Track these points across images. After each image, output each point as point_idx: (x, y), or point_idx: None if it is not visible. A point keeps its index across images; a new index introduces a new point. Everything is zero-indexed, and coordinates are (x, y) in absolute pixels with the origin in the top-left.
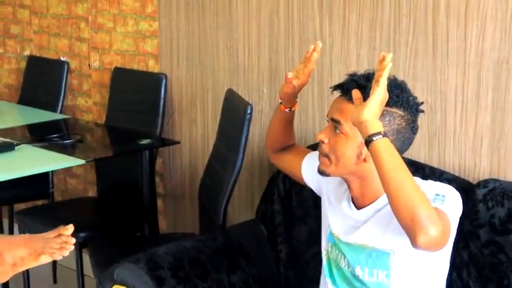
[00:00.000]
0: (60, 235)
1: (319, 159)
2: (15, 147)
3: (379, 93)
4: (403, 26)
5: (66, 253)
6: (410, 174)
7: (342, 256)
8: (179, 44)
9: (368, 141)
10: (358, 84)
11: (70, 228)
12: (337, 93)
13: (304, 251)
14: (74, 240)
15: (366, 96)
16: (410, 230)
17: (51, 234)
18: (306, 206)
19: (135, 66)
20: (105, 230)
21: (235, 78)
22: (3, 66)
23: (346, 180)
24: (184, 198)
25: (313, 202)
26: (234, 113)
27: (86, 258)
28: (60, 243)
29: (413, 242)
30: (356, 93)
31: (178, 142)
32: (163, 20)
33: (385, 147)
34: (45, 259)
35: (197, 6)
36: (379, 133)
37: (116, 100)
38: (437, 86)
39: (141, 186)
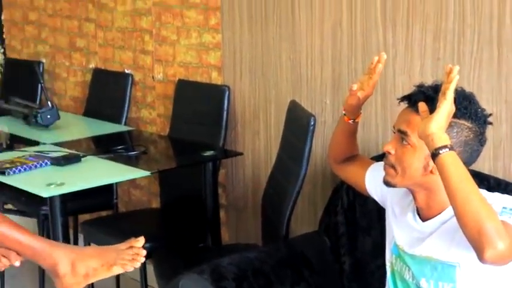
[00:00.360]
0: (131, 247)
1: (384, 170)
2: (82, 159)
3: (446, 106)
4: (468, 36)
5: (138, 264)
6: (477, 187)
7: (407, 268)
8: (242, 56)
9: (434, 155)
10: (426, 96)
11: (141, 240)
12: (403, 105)
13: (368, 262)
14: (144, 252)
15: (433, 108)
16: (477, 244)
17: (122, 246)
18: (370, 218)
19: (199, 78)
20: (169, 241)
21: (298, 90)
22: (69, 79)
23: (411, 192)
24: (247, 209)
25: (377, 213)
26: (297, 124)
27: (150, 269)
28: (131, 254)
29: (480, 256)
30: (422, 106)
31: (241, 153)
32: (226, 32)
33: (451, 160)
34: (117, 270)
35: (260, 18)
36: (445, 146)
37: (180, 112)
38: (502, 96)
39: (204, 198)
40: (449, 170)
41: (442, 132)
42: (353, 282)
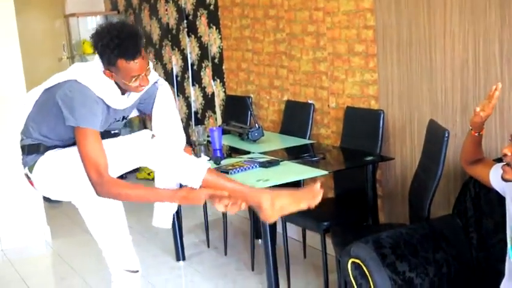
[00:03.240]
0: (312, 189)
1: (502, 169)
2: (280, 163)
3: None
4: None
5: (317, 201)
6: None
7: None
8: (393, 89)
9: None
10: None
11: (318, 183)
12: None
13: (491, 237)
14: (321, 191)
15: None
16: None
17: (306, 189)
18: (492, 204)
19: (361, 105)
20: (342, 220)
21: (435, 112)
22: (269, 108)
23: None
24: (397, 199)
25: (497, 201)
26: (435, 136)
27: (328, 241)
28: (312, 194)
29: None
30: None
31: (393, 158)
32: (381, 71)
33: None
34: (303, 206)
35: (406, 61)
36: None
37: (348, 129)
38: None
39: (366, 190)
40: None
41: None
42: (480, 252)
